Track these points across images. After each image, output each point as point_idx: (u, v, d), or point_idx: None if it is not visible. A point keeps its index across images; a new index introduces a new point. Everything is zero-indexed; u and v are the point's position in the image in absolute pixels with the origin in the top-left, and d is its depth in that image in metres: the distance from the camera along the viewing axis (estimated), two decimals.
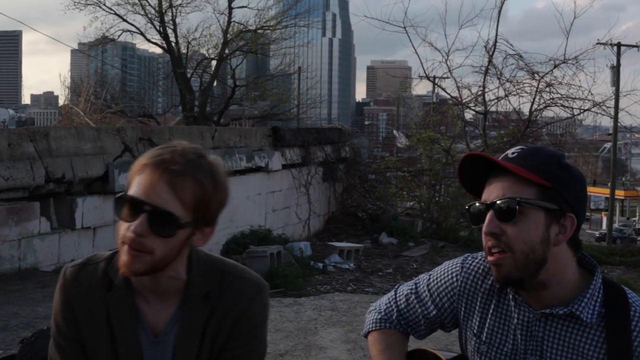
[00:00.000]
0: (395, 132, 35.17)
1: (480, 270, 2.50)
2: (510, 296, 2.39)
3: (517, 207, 2.20)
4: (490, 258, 2.27)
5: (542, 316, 2.32)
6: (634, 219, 65.33)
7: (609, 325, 2.24)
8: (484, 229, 2.25)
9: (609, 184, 38.10)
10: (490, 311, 2.44)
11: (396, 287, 2.77)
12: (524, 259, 2.21)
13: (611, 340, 2.23)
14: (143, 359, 2.33)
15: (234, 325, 2.33)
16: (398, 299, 2.69)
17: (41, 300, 8.49)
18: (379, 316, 2.72)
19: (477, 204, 2.31)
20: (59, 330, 2.36)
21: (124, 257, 2.17)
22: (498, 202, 2.23)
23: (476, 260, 2.53)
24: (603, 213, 57.94)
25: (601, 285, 2.30)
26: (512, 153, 2.29)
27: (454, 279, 2.54)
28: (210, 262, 2.38)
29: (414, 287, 2.67)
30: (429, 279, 2.63)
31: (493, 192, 2.26)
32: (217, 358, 2.34)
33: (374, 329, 2.71)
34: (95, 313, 2.31)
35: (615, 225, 48.37)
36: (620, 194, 59.85)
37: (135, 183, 2.17)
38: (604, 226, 39.33)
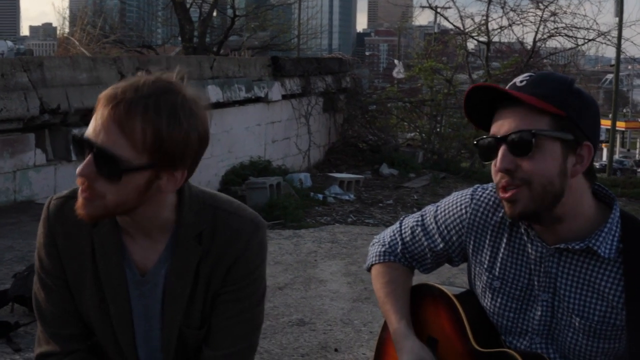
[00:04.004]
0: (395, 61, 34.75)
1: (491, 202, 2.36)
2: (523, 230, 2.26)
3: (532, 140, 2.04)
4: (503, 195, 2.12)
5: (556, 251, 2.20)
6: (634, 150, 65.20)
7: (627, 261, 2.12)
8: (497, 165, 2.09)
9: (610, 115, 37.84)
10: (503, 245, 2.31)
11: (401, 219, 2.63)
12: (541, 192, 2.07)
13: (629, 276, 2.11)
14: (129, 299, 2.20)
15: (230, 269, 2.18)
16: (403, 231, 2.56)
17: (36, 233, 8.36)
18: (383, 249, 2.59)
19: (486, 139, 2.14)
20: (42, 266, 2.24)
21: (78, 199, 2.02)
22: (511, 135, 2.07)
23: (487, 192, 2.39)
24: (603, 144, 57.89)
25: (619, 219, 2.18)
26: (521, 81, 2.13)
27: (463, 210, 2.40)
28: (203, 199, 2.20)
29: (420, 219, 2.53)
30: (437, 211, 2.49)
31: (504, 125, 2.10)
32: (213, 302, 2.21)
33: (377, 262, 2.60)
34: (79, 249, 2.18)
35: (616, 157, 48.30)
36: (621, 125, 59.66)
37: (92, 120, 1.99)
38: (604, 158, 39.19)
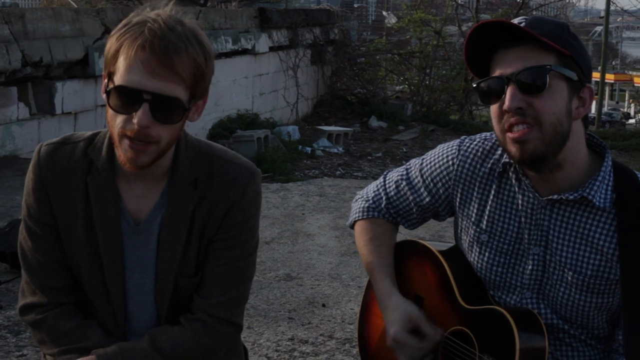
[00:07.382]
0: (384, 13, 34.58)
1: (479, 153, 2.28)
2: (513, 180, 2.18)
3: (547, 76, 1.98)
4: (512, 135, 2.02)
5: (549, 203, 2.13)
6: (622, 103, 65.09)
7: (620, 211, 2.07)
8: (506, 105, 2.01)
9: (599, 67, 37.73)
10: (491, 197, 2.24)
11: (385, 173, 2.55)
12: (552, 132, 2.00)
13: (623, 227, 2.06)
14: (123, 250, 2.15)
15: (226, 215, 2.15)
16: (387, 185, 2.48)
17: (19, 189, 8.13)
18: (366, 204, 2.52)
19: (491, 80, 2.06)
20: (30, 213, 2.16)
21: (127, 152, 1.98)
22: (522, 73, 1.99)
23: (474, 143, 2.31)
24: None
25: (611, 169, 2.12)
26: (519, 22, 2.05)
27: (450, 162, 2.33)
28: (199, 146, 2.17)
29: (404, 172, 2.45)
30: (422, 164, 2.41)
31: (510, 66, 2.02)
32: (207, 249, 2.17)
33: (360, 218, 2.53)
34: (72, 197, 2.12)
35: (605, 109, 48.21)
36: (610, 78, 59.51)
37: (126, 67, 1.93)
38: (593, 110, 39.05)
